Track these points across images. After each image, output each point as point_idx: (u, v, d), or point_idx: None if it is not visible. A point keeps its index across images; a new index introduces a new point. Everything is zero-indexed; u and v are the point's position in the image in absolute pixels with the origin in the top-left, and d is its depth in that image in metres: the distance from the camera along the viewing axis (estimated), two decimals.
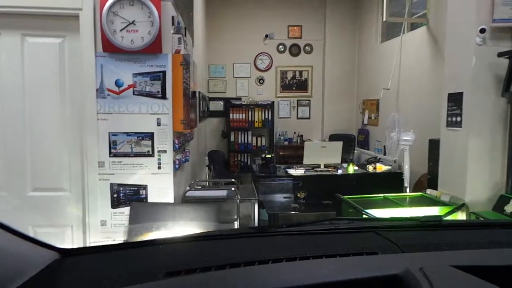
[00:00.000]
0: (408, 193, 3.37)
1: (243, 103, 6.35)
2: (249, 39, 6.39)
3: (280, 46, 6.50)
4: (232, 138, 6.42)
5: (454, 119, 2.91)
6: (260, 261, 0.69)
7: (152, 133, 2.08)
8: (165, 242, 0.85)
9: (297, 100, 6.67)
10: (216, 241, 0.89)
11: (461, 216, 2.60)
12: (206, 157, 5.81)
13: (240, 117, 6.35)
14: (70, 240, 2.13)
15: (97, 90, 2.04)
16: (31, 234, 1.92)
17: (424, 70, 4.31)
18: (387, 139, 3.32)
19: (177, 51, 2.09)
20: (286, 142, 6.57)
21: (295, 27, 6.49)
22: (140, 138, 2.07)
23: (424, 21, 4.26)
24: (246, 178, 5.85)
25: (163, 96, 2.06)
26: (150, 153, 2.08)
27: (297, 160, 5.58)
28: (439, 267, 0.61)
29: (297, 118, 6.70)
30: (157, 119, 2.07)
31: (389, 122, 3.33)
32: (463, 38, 2.79)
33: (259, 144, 6.48)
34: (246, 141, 6.44)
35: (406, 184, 3.36)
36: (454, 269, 0.60)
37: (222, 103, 6.52)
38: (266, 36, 6.39)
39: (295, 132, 6.60)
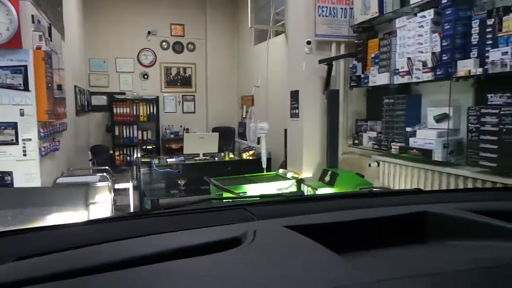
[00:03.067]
0: (265, 173, 4.05)
1: (128, 97, 6.45)
2: (131, 34, 6.49)
3: (164, 43, 6.77)
4: (116, 132, 6.46)
5: (294, 111, 3.66)
6: (121, 239, 0.69)
7: (16, 123, 2.24)
8: (21, 231, 0.81)
9: (182, 96, 7.03)
10: (83, 227, 0.88)
11: (295, 188, 3.32)
12: (89, 152, 5.77)
13: (125, 111, 6.44)
14: None
15: None
16: None
17: (284, 71, 5.11)
18: (247, 129, 3.94)
19: (39, 47, 2.28)
20: (172, 136, 6.88)
21: (178, 26, 6.82)
22: (3, 127, 2.21)
23: (283, 29, 5.04)
24: (129, 171, 6.00)
25: (26, 89, 2.24)
26: (14, 141, 2.24)
27: (183, 152, 5.97)
28: (271, 228, 0.68)
29: (183, 112, 7.06)
30: (20, 109, 2.24)
31: (248, 114, 3.96)
32: (297, 47, 3.53)
33: (145, 138, 6.66)
34: (131, 135, 6.55)
35: (264, 165, 4.03)
36: (283, 228, 0.66)
37: (105, 97, 6.50)
38: (149, 32, 6.59)
39: (181, 126, 6.95)
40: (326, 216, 0.77)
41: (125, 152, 6.53)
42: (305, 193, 3.14)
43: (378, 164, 3.04)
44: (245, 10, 6.63)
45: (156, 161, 4.81)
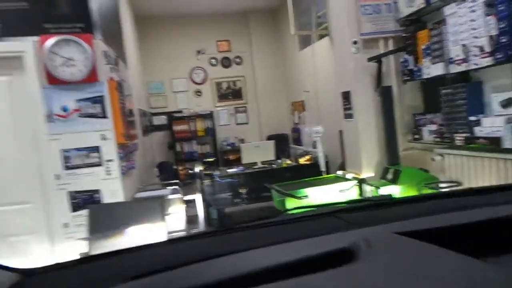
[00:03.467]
0: (324, 175, 4.08)
1: (185, 115, 6.84)
2: (183, 55, 6.91)
3: (212, 60, 7.10)
4: (178, 149, 6.87)
5: (347, 112, 3.67)
6: (219, 256, 0.70)
7: (99, 147, 2.54)
8: (128, 250, 0.85)
9: (235, 108, 7.29)
10: (177, 244, 0.91)
11: (357, 188, 3.31)
12: (156, 168, 6.20)
13: (184, 128, 6.84)
14: (36, 245, 2.52)
15: (46, 116, 2.46)
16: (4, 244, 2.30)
17: (332, 73, 5.12)
18: (302, 134, 4.01)
19: (111, 78, 2.57)
20: (229, 147, 7.14)
21: (224, 42, 7.12)
22: (89, 151, 2.53)
23: (326, 32, 5.07)
24: (194, 184, 6.32)
25: (104, 116, 2.54)
26: (99, 163, 2.54)
27: (241, 162, 6.18)
28: (382, 236, 0.64)
29: (237, 124, 7.31)
30: (101, 134, 2.54)
31: (301, 120, 4.03)
32: (343, 48, 3.55)
33: (204, 151, 7.00)
34: (191, 150, 6.92)
35: (322, 168, 4.06)
36: (396, 235, 0.63)
37: (165, 117, 6.95)
38: (198, 51, 6.96)
39: (236, 137, 7.19)
40: (436, 219, 0.72)
41: (187, 166, 6.90)
42: (373, 194, 3.06)
43: (443, 157, 2.94)
44: (287, 18, 6.74)
45: (217, 172, 5.06)
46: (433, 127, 3.07)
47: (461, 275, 0.47)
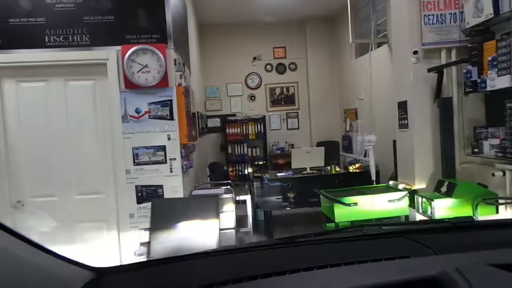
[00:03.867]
0: (375, 184, 4.05)
1: (238, 118, 7.09)
2: (239, 61, 7.17)
3: (268, 66, 7.29)
4: (229, 151, 7.13)
5: (403, 122, 3.63)
6: (292, 271, 0.68)
7: (164, 146, 2.79)
8: (196, 256, 0.86)
9: (286, 113, 7.40)
10: (247, 253, 0.89)
11: (408, 199, 3.26)
12: (207, 169, 6.50)
13: (236, 131, 7.08)
14: (107, 231, 2.82)
15: (122, 116, 2.76)
16: (76, 231, 2.61)
17: (388, 81, 5.05)
18: (355, 142, 4.02)
19: (179, 84, 2.81)
20: (278, 151, 7.27)
21: (280, 48, 7.28)
22: (156, 150, 2.78)
23: (385, 40, 5.02)
24: (244, 185, 6.52)
25: (171, 118, 2.78)
26: (164, 160, 2.79)
27: (290, 167, 6.27)
28: (476, 266, 0.58)
29: (287, 129, 7.42)
30: (168, 135, 2.78)
31: (354, 128, 4.05)
32: (402, 58, 3.52)
33: (254, 154, 7.19)
34: (242, 152, 7.15)
35: (373, 177, 4.04)
36: (492, 268, 0.58)
37: (218, 119, 7.25)
38: (254, 58, 7.18)
39: (286, 142, 7.30)
40: None
41: (237, 168, 7.13)
42: (448, 215, 2.83)
43: (504, 174, 2.83)
44: (344, 25, 6.75)
45: (267, 175, 5.20)
46: (495, 141, 2.95)
47: None
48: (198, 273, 0.78)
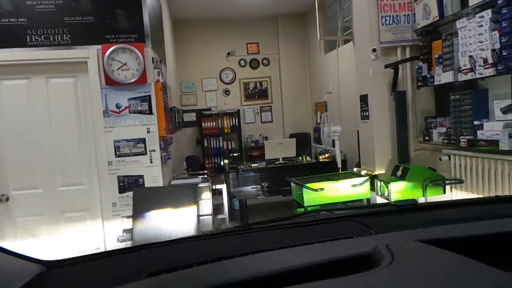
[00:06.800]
0: (340, 172, 4.39)
1: (213, 113, 7.30)
2: (214, 57, 7.36)
3: (241, 61, 7.52)
4: (205, 144, 7.34)
5: (364, 114, 3.97)
6: (241, 255, 0.70)
7: (144, 138, 2.99)
8: (148, 246, 0.86)
9: (260, 107, 7.68)
10: (199, 241, 0.91)
11: (369, 183, 3.61)
12: (184, 162, 6.69)
13: (211, 125, 7.30)
14: (90, 220, 3.00)
15: (103, 111, 2.93)
16: (61, 221, 2.79)
17: (354, 76, 5.40)
18: (321, 133, 4.35)
19: (157, 81, 3.01)
20: (253, 144, 7.54)
21: (253, 44, 7.52)
22: (136, 142, 2.98)
23: (350, 38, 5.35)
24: (220, 176, 6.76)
25: (150, 112, 2.98)
26: (144, 152, 2.99)
27: (264, 158, 6.57)
28: (403, 242, 0.63)
29: (261, 122, 7.70)
30: (147, 128, 2.98)
31: (322, 119, 4.37)
32: (363, 55, 3.85)
33: (230, 147, 7.43)
34: (218, 145, 7.37)
35: (339, 165, 4.38)
36: (417, 243, 0.62)
37: (194, 114, 7.43)
38: (228, 53, 7.39)
39: (260, 135, 7.59)
40: (462, 227, 0.70)
41: (213, 161, 7.36)
42: (397, 199, 3.15)
43: (449, 158, 3.21)
44: (314, 22, 7.05)
45: (242, 166, 5.46)
46: (442, 129, 3.33)
47: (484, 286, 0.46)
48: (148, 261, 0.79)
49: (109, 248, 3.05)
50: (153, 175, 3.03)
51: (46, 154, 2.94)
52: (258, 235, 0.90)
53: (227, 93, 7.57)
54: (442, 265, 0.53)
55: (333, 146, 4.69)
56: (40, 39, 2.80)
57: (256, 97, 7.68)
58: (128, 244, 2.97)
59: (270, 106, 7.70)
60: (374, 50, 3.66)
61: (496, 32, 2.62)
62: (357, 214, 0.98)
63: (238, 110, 7.35)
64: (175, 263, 0.72)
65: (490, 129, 2.72)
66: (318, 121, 7.12)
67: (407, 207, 1.02)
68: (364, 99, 3.94)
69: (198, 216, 3.16)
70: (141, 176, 3.01)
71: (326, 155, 5.55)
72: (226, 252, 0.75)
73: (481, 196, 2.85)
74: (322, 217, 1.02)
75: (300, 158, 5.68)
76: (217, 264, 0.68)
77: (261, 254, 0.71)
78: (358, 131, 4.63)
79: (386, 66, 3.64)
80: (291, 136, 7.24)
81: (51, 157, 2.94)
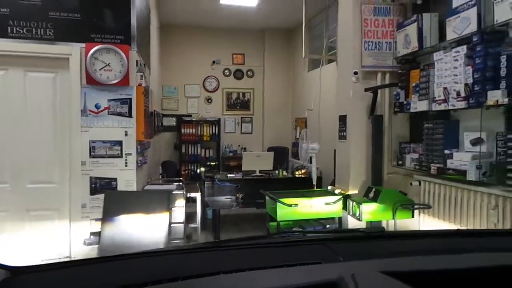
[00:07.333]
0: (315, 189, 4.45)
1: (193, 119, 7.27)
2: (198, 63, 7.37)
3: (226, 71, 7.56)
4: (183, 150, 7.28)
5: (342, 133, 4.06)
6: (211, 274, 0.71)
7: (121, 141, 2.94)
8: (118, 258, 0.85)
9: (241, 118, 7.71)
10: (169, 256, 0.91)
11: (341, 203, 3.68)
12: (160, 167, 6.59)
13: (191, 131, 7.25)
14: (57, 220, 2.91)
15: (81, 110, 2.87)
16: (26, 219, 2.69)
17: (335, 96, 5.53)
18: (300, 149, 4.41)
19: (140, 84, 2.99)
20: (231, 154, 7.54)
21: (239, 55, 7.59)
22: (113, 144, 2.93)
23: (334, 58, 5.50)
24: (195, 184, 6.70)
25: (130, 115, 2.95)
26: (120, 155, 2.94)
27: (241, 169, 6.57)
28: (368, 273, 0.64)
29: (241, 133, 7.73)
30: (125, 131, 2.94)
31: (301, 135, 4.44)
32: (345, 76, 3.96)
33: (207, 155, 7.40)
34: (196, 152, 7.33)
35: (314, 182, 4.44)
36: (381, 275, 0.63)
37: (174, 119, 7.37)
38: (214, 62, 7.42)
39: (239, 145, 7.60)
40: (424, 261, 0.72)
41: (190, 168, 7.30)
42: (379, 225, 3.26)
43: (420, 184, 3.32)
44: (300, 40, 7.20)
45: (218, 176, 5.44)
46: (415, 155, 3.45)
47: None
48: (118, 274, 0.78)
49: (74, 251, 2.96)
50: (127, 179, 2.98)
51: (17, 148, 2.85)
52: (230, 253, 0.91)
53: (209, 101, 7.57)
54: None
55: (310, 162, 4.76)
56: (22, 31, 2.73)
57: (238, 107, 7.71)
58: (94, 247, 2.89)
59: (251, 117, 7.75)
60: (355, 73, 3.77)
61: (469, 67, 2.77)
62: (328, 239, 1.00)
63: (219, 119, 7.36)
64: (146, 277, 0.72)
65: (459, 159, 2.84)
66: (297, 136, 7.21)
67: (375, 234, 1.05)
68: (343, 119, 4.03)
69: (170, 223, 3.12)
70: (115, 179, 2.95)
71: (303, 170, 5.62)
72: (197, 269, 0.75)
73: (447, 222, 2.96)
74: (294, 239, 1.03)
75: (277, 172, 5.72)
76: (188, 282, 0.68)
77: (231, 275, 0.72)
78: (335, 150, 4.73)
79: (366, 90, 3.75)
80: (270, 149, 7.29)
81: (22, 152, 2.85)
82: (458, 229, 1.25)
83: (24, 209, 2.86)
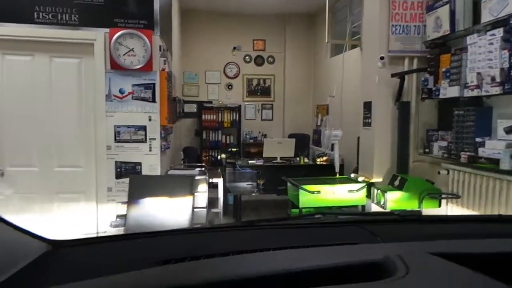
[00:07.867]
0: (338, 176, 4.39)
1: (214, 106, 7.27)
2: (219, 50, 7.32)
3: (247, 57, 7.48)
4: (204, 136, 7.32)
5: (367, 120, 3.97)
6: (248, 251, 0.70)
7: (145, 126, 2.97)
8: (157, 234, 0.86)
9: (262, 104, 7.66)
10: (207, 233, 0.92)
11: (365, 190, 3.61)
12: (182, 152, 6.66)
13: (211, 118, 7.27)
14: (84, 203, 2.98)
15: (106, 95, 2.90)
16: (55, 201, 2.76)
17: (358, 82, 5.39)
18: (322, 136, 4.34)
19: (163, 69, 2.99)
20: (251, 140, 7.52)
21: (260, 41, 7.49)
22: (137, 129, 2.95)
23: (358, 43, 5.34)
24: (217, 169, 6.75)
25: (153, 100, 2.96)
26: (144, 140, 2.97)
27: (261, 155, 6.56)
28: (416, 254, 0.62)
29: (262, 119, 7.69)
30: (149, 116, 2.96)
31: (323, 122, 4.36)
32: (371, 62, 3.84)
33: (228, 141, 7.41)
34: (216, 139, 7.35)
35: (337, 169, 4.38)
36: (430, 255, 0.61)
37: (195, 105, 7.39)
38: (234, 48, 7.35)
39: (259, 132, 7.57)
40: (469, 244, 0.71)
41: (210, 154, 7.34)
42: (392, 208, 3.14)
43: (448, 172, 3.21)
44: (322, 25, 7.01)
45: (239, 162, 5.44)
46: (443, 143, 3.34)
47: None
48: (158, 249, 0.79)
49: (101, 233, 3.03)
50: (151, 163, 3.01)
51: (45, 133, 2.91)
52: (264, 232, 0.91)
53: (230, 87, 7.54)
54: (457, 279, 0.53)
55: (332, 149, 4.68)
56: (47, 17, 2.76)
57: (259, 94, 7.65)
58: (120, 230, 2.95)
59: (272, 104, 7.69)
60: (382, 58, 3.65)
61: (506, 51, 2.62)
62: (362, 220, 0.99)
63: (240, 106, 7.33)
64: (184, 253, 0.72)
65: (492, 148, 2.72)
66: (318, 124, 7.11)
67: (411, 217, 1.02)
68: (367, 106, 3.93)
69: (193, 208, 3.15)
70: (139, 164, 2.99)
71: (324, 158, 5.55)
72: (233, 246, 0.75)
73: (476, 213, 2.86)
74: (325, 221, 1.02)
75: (298, 158, 5.67)
76: (225, 259, 0.68)
77: (269, 252, 0.71)
78: (358, 137, 4.63)
79: (392, 75, 3.63)
80: (290, 136, 7.23)
81: (50, 137, 2.92)
82: (500, 214, 1.18)
83: (53, 191, 2.94)
